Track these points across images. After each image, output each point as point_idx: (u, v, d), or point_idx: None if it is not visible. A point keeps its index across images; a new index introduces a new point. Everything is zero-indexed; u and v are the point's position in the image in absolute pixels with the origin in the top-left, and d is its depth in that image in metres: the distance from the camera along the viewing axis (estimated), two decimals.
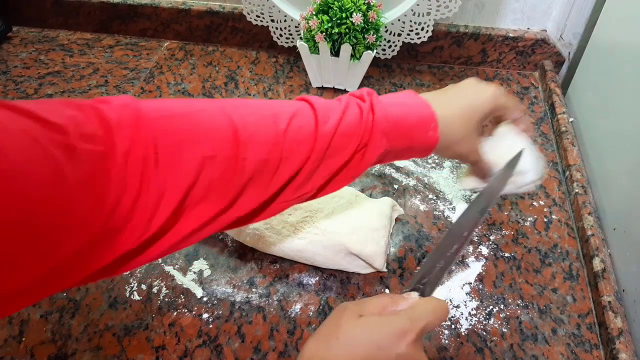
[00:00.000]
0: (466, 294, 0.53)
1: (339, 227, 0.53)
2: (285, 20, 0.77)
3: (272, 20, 0.78)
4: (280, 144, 0.36)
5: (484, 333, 0.50)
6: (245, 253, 0.57)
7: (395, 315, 0.35)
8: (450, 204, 0.62)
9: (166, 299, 0.53)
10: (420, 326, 0.34)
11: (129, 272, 0.54)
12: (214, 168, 0.34)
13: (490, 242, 0.58)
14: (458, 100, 0.44)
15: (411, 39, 0.76)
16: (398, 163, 0.67)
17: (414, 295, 0.38)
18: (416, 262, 0.56)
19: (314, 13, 0.69)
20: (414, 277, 0.39)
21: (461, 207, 0.61)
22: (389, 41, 0.77)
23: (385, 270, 0.55)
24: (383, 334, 0.34)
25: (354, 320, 0.35)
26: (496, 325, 0.51)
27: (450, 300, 0.53)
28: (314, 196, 0.41)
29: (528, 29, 0.79)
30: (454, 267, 0.55)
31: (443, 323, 0.51)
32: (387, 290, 0.54)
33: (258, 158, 0.36)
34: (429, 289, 0.38)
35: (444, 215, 0.60)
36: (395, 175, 0.65)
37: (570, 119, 0.71)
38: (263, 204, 0.38)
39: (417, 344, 0.34)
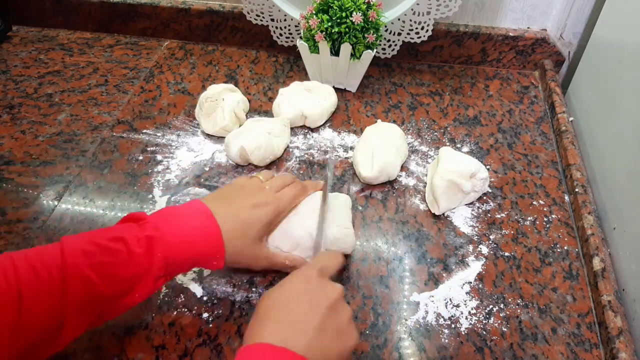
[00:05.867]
0: (466, 293, 0.53)
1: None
2: (285, 20, 0.77)
3: (272, 20, 0.78)
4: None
5: (484, 332, 0.50)
6: None
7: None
8: None
9: (166, 299, 0.53)
10: (318, 266, 0.44)
11: None
12: None
13: (490, 242, 0.58)
14: (239, 215, 0.49)
15: (411, 38, 0.76)
16: None
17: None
18: (416, 261, 0.56)
19: (314, 12, 0.69)
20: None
21: (460, 207, 0.61)
22: (389, 40, 0.77)
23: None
24: (294, 284, 0.43)
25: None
26: (496, 324, 0.51)
27: (450, 299, 0.53)
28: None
29: (528, 28, 0.79)
30: (454, 267, 0.55)
31: (443, 322, 0.51)
32: (387, 291, 0.54)
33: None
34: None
35: (444, 215, 0.60)
36: None
37: (570, 119, 0.71)
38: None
39: (320, 279, 0.43)
